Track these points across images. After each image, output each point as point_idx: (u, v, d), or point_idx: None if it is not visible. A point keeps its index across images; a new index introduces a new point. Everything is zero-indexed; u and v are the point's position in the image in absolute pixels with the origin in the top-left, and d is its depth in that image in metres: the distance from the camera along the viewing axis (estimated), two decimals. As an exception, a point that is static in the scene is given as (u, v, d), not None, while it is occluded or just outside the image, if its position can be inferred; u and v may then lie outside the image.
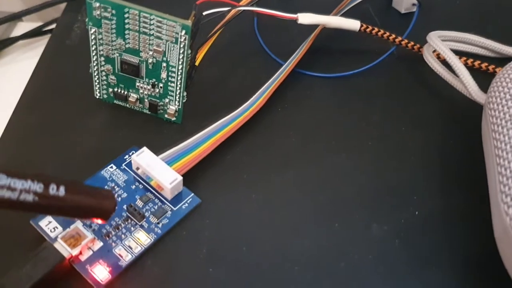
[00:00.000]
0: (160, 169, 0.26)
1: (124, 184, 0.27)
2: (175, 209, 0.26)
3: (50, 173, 0.27)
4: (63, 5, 0.40)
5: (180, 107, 0.29)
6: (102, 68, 0.29)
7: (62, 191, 0.19)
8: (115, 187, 0.27)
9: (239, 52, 0.36)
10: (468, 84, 0.29)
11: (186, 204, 0.26)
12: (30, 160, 0.28)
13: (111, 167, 0.27)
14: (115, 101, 0.31)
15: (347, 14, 0.37)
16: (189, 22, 0.26)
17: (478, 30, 0.35)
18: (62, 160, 0.28)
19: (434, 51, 0.33)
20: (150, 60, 0.28)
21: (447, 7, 0.40)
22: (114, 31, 0.27)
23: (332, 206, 0.27)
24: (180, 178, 0.26)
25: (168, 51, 0.27)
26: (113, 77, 0.29)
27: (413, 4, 0.36)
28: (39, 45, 0.41)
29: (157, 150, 0.27)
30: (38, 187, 0.18)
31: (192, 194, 0.27)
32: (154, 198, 0.26)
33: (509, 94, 0.25)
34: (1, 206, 0.17)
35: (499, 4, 0.40)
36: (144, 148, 0.27)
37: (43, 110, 0.31)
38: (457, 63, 0.30)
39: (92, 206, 0.21)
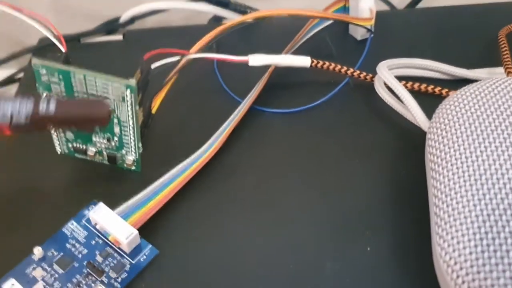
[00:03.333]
0: (116, 224, 0.27)
1: (85, 240, 0.28)
2: (133, 262, 0.27)
3: (13, 230, 0.29)
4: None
5: (137, 157, 0.30)
6: (59, 126, 0.30)
7: (52, 108, 0.19)
8: (76, 244, 0.28)
9: (199, 92, 0.36)
10: (415, 114, 0.30)
11: (144, 257, 0.27)
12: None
13: (72, 224, 0.28)
14: (76, 155, 0.32)
15: (305, 44, 0.38)
16: (132, 81, 0.27)
17: (436, 53, 0.35)
18: (27, 215, 0.29)
19: (386, 80, 0.33)
20: (102, 117, 0.29)
21: (404, 32, 0.40)
22: (64, 93, 0.28)
23: (288, 245, 0.28)
24: (136, 232, 0.27)
25: (117, 108, 0.28)
26: (70, 133, 0.30)
27: (368, 31, 0.37)
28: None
29: (119, 200, 0.28)
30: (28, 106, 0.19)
31: (150, 246, 0.28)
32: (113, 252, 0.27)
33: (449, 126, 0.26)
34: None
35: (455, 27, 0.40)
36: (100, 204, 0.28)
37: (9, 165, 0.32)
38: (404, 94, 0.31)
39: (84, 115, 0.21)
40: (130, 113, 0.28)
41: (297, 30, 0.38)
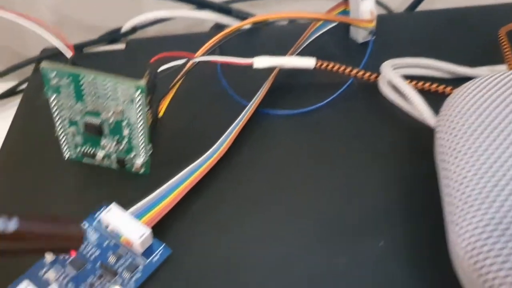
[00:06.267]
0: (128, 224, 0.27)
1: (97, 242, 0.28)
2: (146, 262, 0.27)
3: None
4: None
5: (146, 159, 0.30)
6: (67, 131, 0.30)
7: (14, 224, 0.16)
8: (89, 245, 0.28)
9: (205, 96, 0.37)
10: (422, 111, 0.30)
11: (158, 256, 0.27)
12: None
13: (84, 225, 0.28)
14: (84, 160, 0.32)
15: (308, 47, 0.38)
16: (142, 83, 0.27)
17: (437, 54, 0.36)
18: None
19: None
20: (111, 120, 0.29)
21: (404, 34, 0.41)
22: (73, 96, 0.28)
23: (295, 242, 0.28)
24: (149, 231, 0.27)
25: (126, 110, 0.28)
26: (78, 138, 0.30)
27: (369, 33, 0.37)
28: (14, 105, 0.42)
29: (128, 203, 0.28)
30: None
31: (163, 245, 0.28)
32: (126, 253, 0.27)
33: (458, 117, 0.26)
34: None
35: (454, 28, 0.41)
36: (112, 205, 0.28)
37: (17, 172, 0.32)
38: (410, 91, 0.31)
39: (54, 235, 0.18)
40: (139, 114, 0.28)
41: (298, 36, 0.38)
